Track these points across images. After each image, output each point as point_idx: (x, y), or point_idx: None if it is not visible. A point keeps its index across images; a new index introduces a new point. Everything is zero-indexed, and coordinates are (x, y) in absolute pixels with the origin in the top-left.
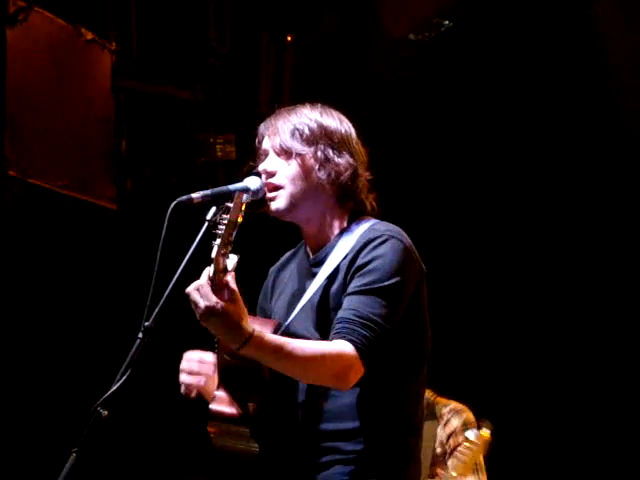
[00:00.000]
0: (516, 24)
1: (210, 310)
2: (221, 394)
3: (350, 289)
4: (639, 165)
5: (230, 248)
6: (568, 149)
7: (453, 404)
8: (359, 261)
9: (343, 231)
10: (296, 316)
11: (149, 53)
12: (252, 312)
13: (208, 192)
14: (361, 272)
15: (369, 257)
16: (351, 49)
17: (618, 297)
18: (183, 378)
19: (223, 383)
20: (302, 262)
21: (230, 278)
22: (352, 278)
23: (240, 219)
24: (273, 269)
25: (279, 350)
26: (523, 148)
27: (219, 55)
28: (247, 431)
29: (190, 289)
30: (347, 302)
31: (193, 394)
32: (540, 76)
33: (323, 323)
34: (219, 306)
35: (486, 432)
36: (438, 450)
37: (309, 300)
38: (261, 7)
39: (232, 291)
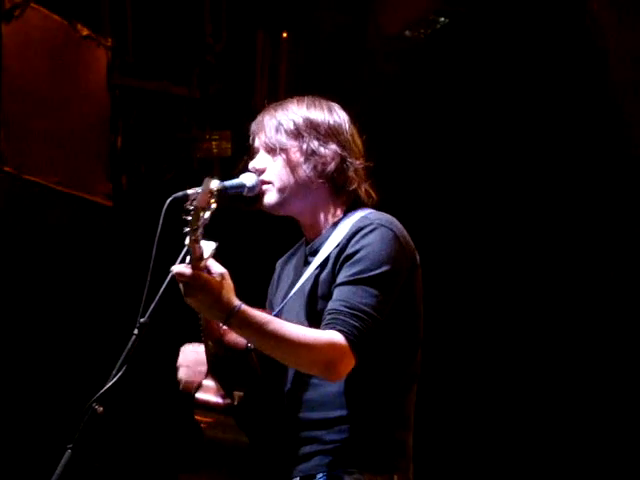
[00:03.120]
0: (512, 20)
1: (192, 283)
2: (208, 383)
3: (339, 279)
4: (634, 159)
5: (200, 233)
6: (564, 144)
7: None
8: (348, 250)
9: (338, 221)
10: (287, 304)
11: (145, 49)
12: (262, 306)
13: None
14: (350, 262)
15: (357, 246)
16: (347, 45)
17: (612, 298)
18: (182, 374)
19: (211, 372)
20: (301, 253)
21: (211, 263)
22: (341, 268)
23: (214, 204)
24: (279, 262)
25: (265, 327)
26: (518, 143)
27: (215, 51)
28: (232, 421)
29: (176, 265)
30: (336, 293)
31: (194, 390)
32: (536, 72)
33: (312, 311)
34: (202, 279)
35: None
36: None
37: (300, 288)
38: (257, 3)
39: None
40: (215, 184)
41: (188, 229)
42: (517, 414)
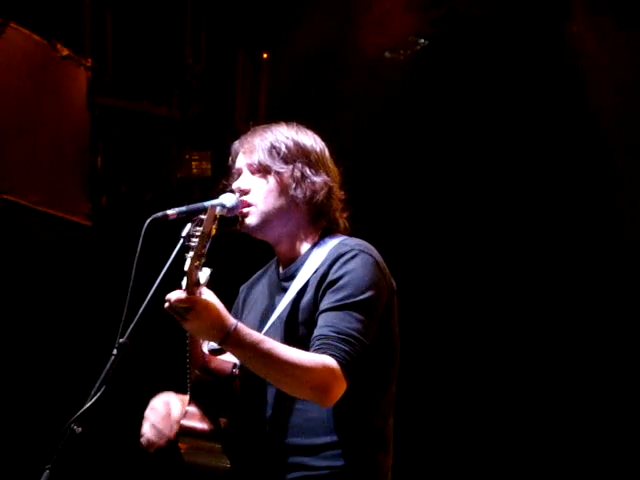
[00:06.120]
0: (492, 42)
1: (195, 308)
2: (192, 410)
3: (324, 306)
4: (616, 168)
5: (203, 260)
6: (544, 165)
7: None
8: (330, 276)
9: (314, 246)
10: (267, 331)
11: (125, 69)
12: None
13: (183, 208)
14: (333, 288)
15: (340, 272)
16: (327, 66)
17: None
18: (146, 430)
19: (194, 399)
20: (272, 278)
21: (204, 290)
22: (324, 294)
23: (214, 231)
24: (244, 287)
25: (260, 345)
26: (501, 166)
27: (195, 72)
28: (219, 447)
29: (175, 292)
30: (322, 319)
31: (152, 451)
32: (516, 93)
33: (292, 337)
34: (202, 303)
35: None
36: None
37: (279, 315)
38: (237, 24)
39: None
40: (219, 210)
41: (191, 254)
42: (505, 429)
